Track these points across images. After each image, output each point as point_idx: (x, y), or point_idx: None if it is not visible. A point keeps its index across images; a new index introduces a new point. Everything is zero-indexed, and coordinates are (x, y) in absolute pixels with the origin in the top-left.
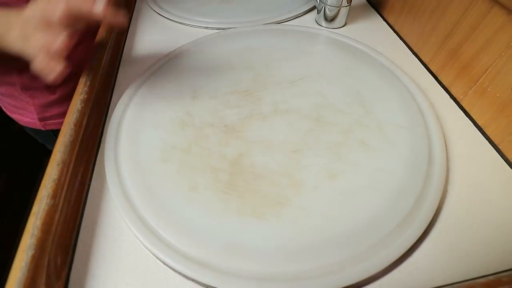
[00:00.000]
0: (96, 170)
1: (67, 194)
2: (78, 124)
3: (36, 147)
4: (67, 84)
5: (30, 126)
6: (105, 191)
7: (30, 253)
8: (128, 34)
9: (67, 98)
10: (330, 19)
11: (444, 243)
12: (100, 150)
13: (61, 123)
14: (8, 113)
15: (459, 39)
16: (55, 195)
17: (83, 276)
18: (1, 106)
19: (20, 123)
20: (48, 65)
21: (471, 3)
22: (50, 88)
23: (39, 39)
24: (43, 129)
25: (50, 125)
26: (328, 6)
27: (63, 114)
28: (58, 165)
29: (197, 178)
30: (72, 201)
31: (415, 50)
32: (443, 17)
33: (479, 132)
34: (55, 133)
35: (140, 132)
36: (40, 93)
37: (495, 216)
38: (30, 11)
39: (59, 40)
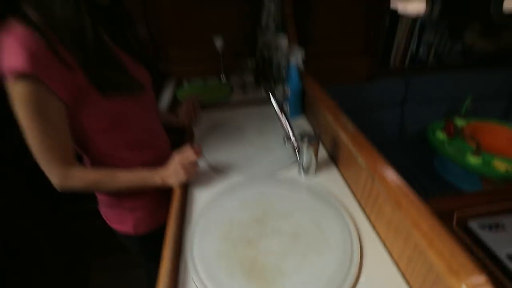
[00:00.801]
0: (181, 260)
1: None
2: (174, 239)
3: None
4: (151, 204)
5: (126, 233)
6: (188, 270)
7: None
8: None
9: (151, 212)
10: (305, 170)
11: None
12: (183, 249)
13: (146, 226)
14: (110, 224)
15: (368, 189)
16: (173, 273)
17: None
18: (105, 218)
19: (118, 231)
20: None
21: (368, 175)
22: (144, 206)
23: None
24: (133, 233)
25: (139, 229)
26: (304, 163)
27: (149, 224)
28: (169, 259)
29: (233, 265)
30: (175, 275)
31: (353, 190)
32: (359, 178)
33: (381, 243)
34: (138, 235)
35: (203, 242)
36: (138, 210)
37: None
38: (173, 164)
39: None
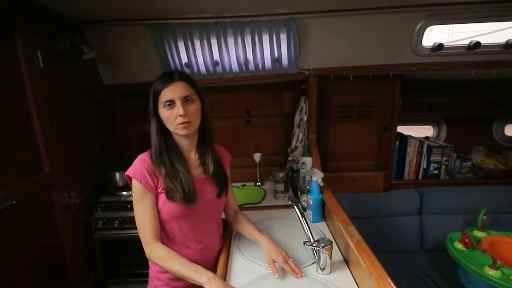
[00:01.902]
0: None
1: None
2: None
3: None
4: None
5: None
6: None
7: None
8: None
9: None
10: (322, 269)
11: None
12: None
13: None
14: None
15: None
16: None
17: None
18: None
19: None
20: None
21: (369, 276)
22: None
23: None
24: None
25: None
26: (320, 263)
27: None
28: None
29: None
30: None
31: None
32: (364, 278)
33: None
34: None
35: None
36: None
37: None
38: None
39: None
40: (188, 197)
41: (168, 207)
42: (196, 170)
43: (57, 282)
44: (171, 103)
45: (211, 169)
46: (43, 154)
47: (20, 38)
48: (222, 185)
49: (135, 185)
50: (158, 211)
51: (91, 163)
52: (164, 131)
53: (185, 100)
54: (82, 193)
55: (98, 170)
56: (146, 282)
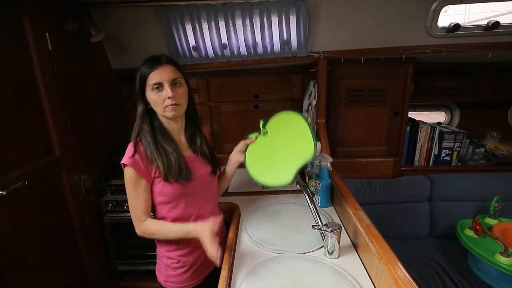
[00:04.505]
0: None
1: None
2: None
3: None
4: (184, 274)
5: (159, 282)
6: None
7: None
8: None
9: (182, 278)
10: (330, 253)
11: None
12: None
13: (174, 285)
14: (156, 271)
15: (380, 272)
16: None
17: None
18: (157, 269)
19: (156, 277)
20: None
21: (378, 260)
22: (178, 268)
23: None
24: (162, 285)
25: (167, 284)
26: (328, 247)
27: (177, 284)
28: None
29: None
30: None
31: (369, 273)
32: (373, 262)
33: None
34: None
35: None
36: (170, 270)
37: None
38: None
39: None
40: (183, 175)
41: (167, 189)
42: (186, 151)
43: (69, 262)
44: (159, 86)
45: (200, 148)
46: (53, 137)
47: (28, 19)
48: (214, 163)
49: (129, 172)
50: (158, 195)
51: (100, 147)
52: (150, 115)
53: (173, 83)
54: (92, 176)
55: (107, 153)
56: (155, 263)
